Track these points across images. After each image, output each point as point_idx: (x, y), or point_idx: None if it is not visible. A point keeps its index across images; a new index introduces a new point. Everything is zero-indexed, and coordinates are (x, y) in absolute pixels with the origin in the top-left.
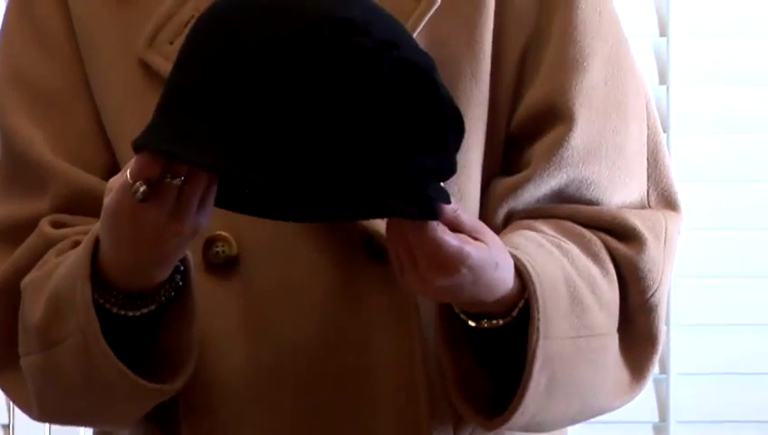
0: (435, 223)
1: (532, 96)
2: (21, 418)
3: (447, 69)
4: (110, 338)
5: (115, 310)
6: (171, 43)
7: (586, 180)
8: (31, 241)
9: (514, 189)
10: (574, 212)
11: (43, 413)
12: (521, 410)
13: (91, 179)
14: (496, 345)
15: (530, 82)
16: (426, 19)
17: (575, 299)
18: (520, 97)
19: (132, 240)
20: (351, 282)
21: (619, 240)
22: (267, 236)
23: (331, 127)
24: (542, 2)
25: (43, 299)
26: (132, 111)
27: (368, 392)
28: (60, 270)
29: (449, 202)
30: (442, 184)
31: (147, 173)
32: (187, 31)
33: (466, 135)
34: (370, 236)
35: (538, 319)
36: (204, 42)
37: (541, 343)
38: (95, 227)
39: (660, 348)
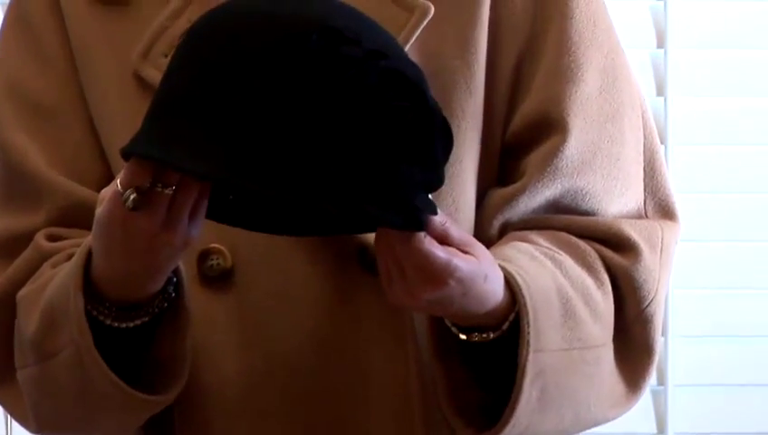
0: (422, 235)
1: (527, 106)
2: (18, 431)
3: (442, 79)
4: (105, 349)
5: (108, 322)
6: (166, 56)
7: (581, 191)
8: (27, 254)
9: (509, 200)
10: (570, 223)
11: (39, 426)
12: (512, 422)
13: (86, 192)
14: (489, 358)
15: (525, 93)
16: (419, 30)
17: (568, 311)
18: (515, 107)
19: (124, 250)
20: (346, 294)
21: (614, 251)
22: (262, 249)
23: (318, 134)
24: (536, 12)
25: (38, 312)
26: (127, 124)
27: (362, 404)
28: (54, 282)
29: (436, 213)
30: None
31: (137, 181)
32: None
33: (461, 146)
34: (365, 247)
35: (528, 332)
36: (194, 49)
37: (531, 356)
38: (88, 238)
39: (656, 359)
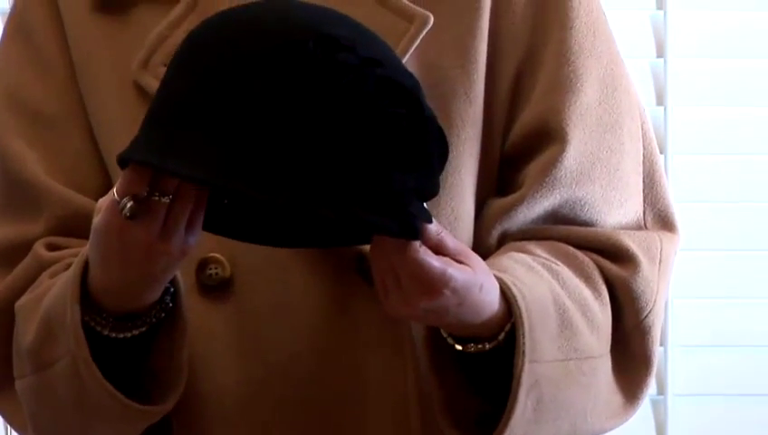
0: (418, 244)
1: (527, 116)
2: None
3: (441, 89)
4: (102, 358)
5: (105, 332)
6: (165, 66)
7: (580, 201)
8: (26, 263)
9: (508, 210)
10: (568, 233)
11: None
12: (507, 433)
13: (85, 201)
14: (485, 368)
15: (524, 103)
16: (418, 39)
17: (564, 321)
18: (514, 117)
19: (121, 260)
20: (344, 303)
21: (612, 261)
22: (260, 258)
23: (313, 140)
24: (536, 22)
25: (36, 321)
26: (126, 133)
27: (360, 412)
28: (51, 292)
29: (431, 222)
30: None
31: (133, 188)
32: None
33: (460, 155)
34: (363, 257)
35: (523, 343)
36: (191, 57)
37: (527, 366)
38: (85, 248)
39: (654, 370)
